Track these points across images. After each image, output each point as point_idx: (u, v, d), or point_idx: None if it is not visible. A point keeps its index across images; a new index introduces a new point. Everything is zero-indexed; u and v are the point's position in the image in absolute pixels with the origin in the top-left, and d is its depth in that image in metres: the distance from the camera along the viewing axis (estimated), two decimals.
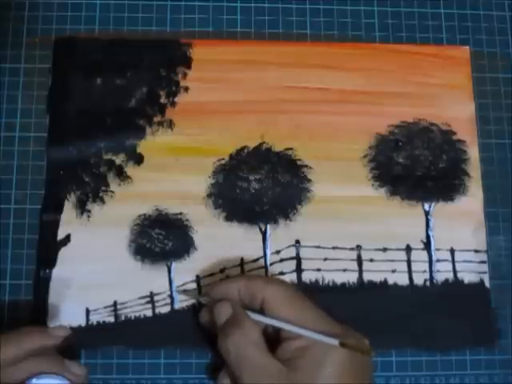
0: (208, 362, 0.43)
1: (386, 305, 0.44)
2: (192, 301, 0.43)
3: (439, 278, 0.45)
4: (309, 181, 0.46)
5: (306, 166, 0.46)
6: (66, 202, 0.45)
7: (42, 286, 0.43)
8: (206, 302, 0.40)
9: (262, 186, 0.46)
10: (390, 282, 0.44)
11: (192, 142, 0.46)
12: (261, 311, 0.37)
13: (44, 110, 0.46)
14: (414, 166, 0.47)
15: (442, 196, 0.46)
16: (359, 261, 0.45)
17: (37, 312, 0.43)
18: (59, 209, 0.44)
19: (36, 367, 0.35)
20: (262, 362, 0.36)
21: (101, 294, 0.43)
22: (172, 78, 0.47)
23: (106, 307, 0.43)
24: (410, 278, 0.45)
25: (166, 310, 0.43)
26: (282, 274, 0.44)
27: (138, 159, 0.46)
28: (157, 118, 0.46)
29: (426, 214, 0.46)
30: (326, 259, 0.44)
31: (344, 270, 0.44)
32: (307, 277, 0.44)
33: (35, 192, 0.45)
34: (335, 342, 0.35)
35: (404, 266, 0.45)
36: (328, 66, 0.48)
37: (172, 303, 0.43)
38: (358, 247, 0.45)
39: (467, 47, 0.49)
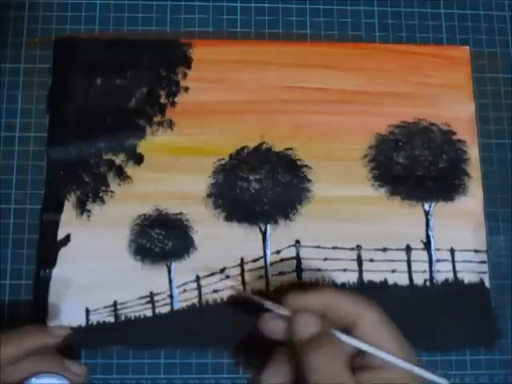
0: (208, 362, 0.43)
1: (386, 305, 0.44)
2: (192, 301, 0.43)
3: (439, 277, 0.45)
4: (309, 181, 0.46)
5: (306, 166, 0.46)
6: (66, 202, 0.45)
7: (42, 286, 0.43)
8: (285, 313, 0.36)
9: (262, 186, 0.46)
10: (390, 282, 0.44)
11: (192, 142, 0.46)
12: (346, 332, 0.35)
13: (44, 110, 0.46)
14: (414, 165, 0.47)
15: (442, 196, 0.46)
16: (359, 261, 0.45)
17: (37, 312, 0.43)
18: (59, 209, 0.44)
19: (36, 366, 0.35)
20: None
21: (101, 294, 0.43)
22: (172, 78, 0.47)
23: (106, 307, 0.43)
24: (410, 278, 0.45)
25: (165, 309, 0.43)
26: (282, 273, 0.44)
27: (138, 159, 0.46)
28: (157, 118, 0.46)
29: (426, 214, 0.46)
30: (326, 259, 0.44)
31: (344, 270, 0.44)
32: (307, 277, 0.44)
33: (35, 192, 0.45)
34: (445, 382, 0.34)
35: (404, 266, 0.45)
36: (328, 66, 0.48)
37: (172, 303, 0.43)
38: (358, 247, 0.45)
39: (467, 47, 0.49)
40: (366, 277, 0.44)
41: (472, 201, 0.46)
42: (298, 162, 0.46)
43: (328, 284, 0.37)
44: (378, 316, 0.35)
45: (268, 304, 0.36)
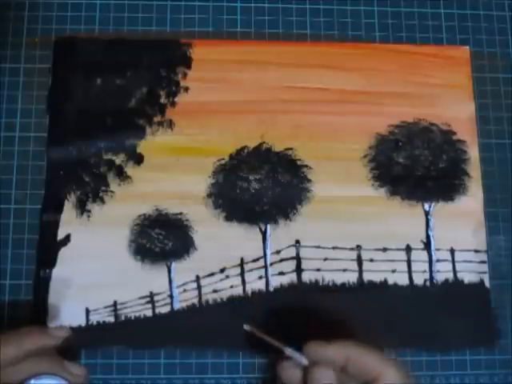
0: (208, 362, 0.43)
1: (386, 305, 0.44)
2: (192, 301, 0.43)
3: (439, 278, 0.45)
4: (309, 181, 0.46)
5: (306, 166, 0.46)
6: (66, 202, 0.45)
7: (42, 285, 0.43)
8: (304, 363, 0.36)
9: (262, 186, 0.46)
10: (390, 282, 0.44)
11: (192, 142, 0.46)
12: None
13: (44, 110, 0.46)
14: (414, 165, 0.47)
15: (442, 196, 0.46)
16: (359, 261, 0.45)
17: (37, 312, 0.43)
18: (59, 209, 0.44)
19: (36, 367, 0.35)
20: None
21: (101, 294, 0.43)
22: (172, 78, 0.47)
23: (106, 307, 0.43)
24: (410, 278, 0.45)
25: (165, 309, 0.43)
26: (281, 273, 0.44)
27: (138, 159, 0.46)
28: (157, 118, 0.46)
29: (426, 214, 0.46)
30: (326, 259, 0.44)
31: (344, 270, 0.44)
32: (307, 277, 0.44)
33: (35, 192, 0.45)
34: None
35: (404, 266, 0.45)
36: (328, 66, 0.48)
37: (172, 303, 0.43)
38: (358, 247, 0.45)
39: (467, 47, 0.49)
40: (366, 277, 0.44)
41: (472, 201, 0.46)
42: (298, 162, 0.46)
43: (350, 337, 0.36)
44: (398, 374, 0.34)
45: (288, 351, 0.37)
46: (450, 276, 0.45)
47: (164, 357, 0.43)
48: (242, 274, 0.44)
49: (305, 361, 0.36)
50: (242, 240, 0.45)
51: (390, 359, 0.36)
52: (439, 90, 0.48)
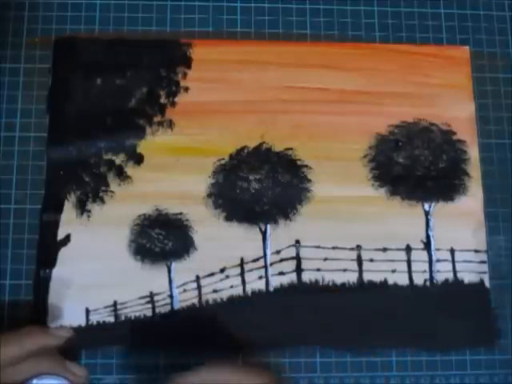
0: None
1: (386, 305, 0.44)
2: (192, 301, 0.43)
3: (439, 278, 0.45)
4: (309, 181, 0.46)
5: (306, 166, 0.46)
6: (66, 202, 0.45)
7: (42, 285, 0.43)
8: None
9: (262, 186, 0.46)
10: (390, 282, 0.44)
11: (192, 142, 0.46)
12: None
13: (44, 110, 0.46)
14: (414, 165, 0.47)
15: (442, 196, 0.46)
16: (359, 261, 0.45)
17: (37, 312, 0.43)
18: (59, 209, 0.44)
19: (36, 368, 0.35)
20: None
21: (101, 294, 0.43)
22: (172, 78, 0.47)
23: (106, 307, 0.43)
24: (410, 278, 0.45)
25: (165, 309, 0.43)
26: (281, 273, 0.44)
27: (138, 159, 0.46)
28: (157, 118, 0.46)
29: (426, 214, 0.46)
30: (326, 259, 0.44)
31: (344, 270, 0.44)
32: (307, 277, 0.44)
33: (35, 192, 0.45)
34: None
35: (404, 266, 0.45)
36: (328, 66, 0.48)
37: (172, 303, 0.43)
38: (358, 247, 0.45)
39: (467, 47, 0.49)
40: (366, 277, 0.44)
41: (472, 201, 0.46)
42: (298, 162, 0.46)
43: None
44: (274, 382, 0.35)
45: None
46: (450, 276, 0.45)
47: (164, 357, 0.43)
48: (242, 274, 0.44)
49: None
50: (242, 240, 0.45)
51: (262, 371, 0.37)
52: (439, 90, 0.48)
